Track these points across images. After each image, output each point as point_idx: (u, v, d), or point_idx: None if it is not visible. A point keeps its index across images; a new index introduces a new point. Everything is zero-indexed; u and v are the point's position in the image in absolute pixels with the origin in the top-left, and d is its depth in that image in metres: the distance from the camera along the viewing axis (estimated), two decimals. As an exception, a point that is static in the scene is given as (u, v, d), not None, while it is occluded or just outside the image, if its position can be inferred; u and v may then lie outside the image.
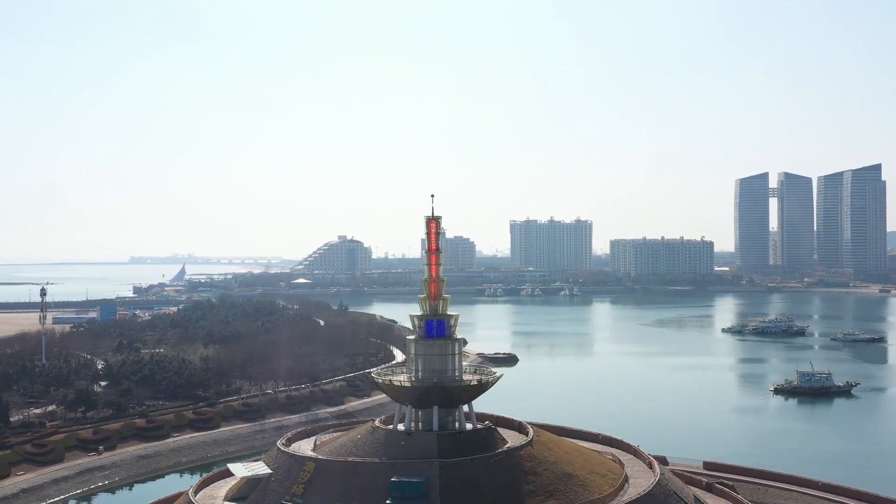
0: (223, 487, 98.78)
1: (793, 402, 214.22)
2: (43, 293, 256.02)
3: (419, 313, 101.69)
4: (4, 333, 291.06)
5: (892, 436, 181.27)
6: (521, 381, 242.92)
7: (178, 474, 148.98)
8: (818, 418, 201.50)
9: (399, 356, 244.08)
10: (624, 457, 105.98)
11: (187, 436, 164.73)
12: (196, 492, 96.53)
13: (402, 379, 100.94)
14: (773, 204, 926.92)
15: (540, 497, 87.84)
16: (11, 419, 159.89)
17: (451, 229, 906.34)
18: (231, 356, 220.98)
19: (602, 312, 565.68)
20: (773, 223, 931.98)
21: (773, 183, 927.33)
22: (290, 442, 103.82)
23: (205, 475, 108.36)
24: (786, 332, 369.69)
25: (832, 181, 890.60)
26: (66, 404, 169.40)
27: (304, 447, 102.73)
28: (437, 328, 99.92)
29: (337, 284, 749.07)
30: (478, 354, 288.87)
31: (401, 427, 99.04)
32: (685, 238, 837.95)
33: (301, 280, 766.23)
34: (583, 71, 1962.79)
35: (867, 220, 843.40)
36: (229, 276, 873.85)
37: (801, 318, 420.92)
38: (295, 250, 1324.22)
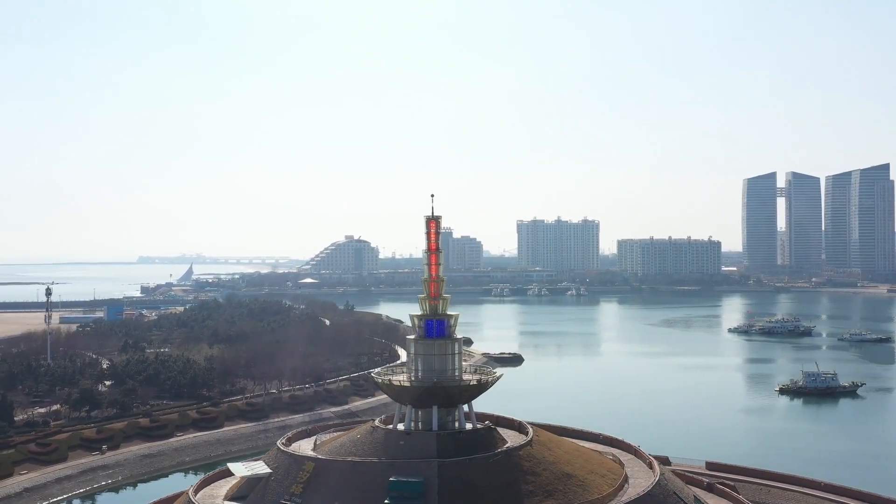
0: (223, 487, 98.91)
1: (798, 402, 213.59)
2: (48, 293, 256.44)
3: (419, 313, 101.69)
4: (10, 333, 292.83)
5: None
6: (526, 381, 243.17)
7: (182, 474, 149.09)
8: (823, 418, 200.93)
9: (404, 356, 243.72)
10: (624, 457, 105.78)
11: (191, 435, 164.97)
12: (196, 491, 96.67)
13: (401, 379, 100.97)
14: (781, 204, 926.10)
15: (538, 497, 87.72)
16: (16, 418, 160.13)
17: (458, 229, 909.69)
18: (236, 356, 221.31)
19: (609, 312, 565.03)
20: (781, 223, 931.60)
21: (780, 183, 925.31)
22: (290, 441, 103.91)
23: (205, 475, 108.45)
24: (792, 333, 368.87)
25: (840, 181, 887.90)
26: (71, 404, 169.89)
27: (305, 447, 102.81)
28: (436, 328, 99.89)
29: (344, 284, 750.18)
30: (483, 354, 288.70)
31: (400, 427, 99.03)
32: (692, 238, 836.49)
33: (308, 280, 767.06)
34: (590, 70, 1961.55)
35: (875, 220, 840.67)
36: (236, 276, 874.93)
37: (808, 319, 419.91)
38: (302, 250, 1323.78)
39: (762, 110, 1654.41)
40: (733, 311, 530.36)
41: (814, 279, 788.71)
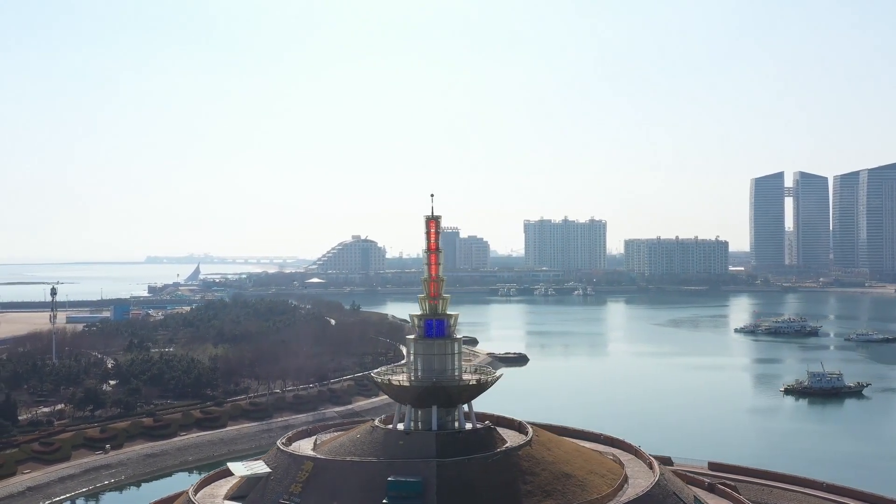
0: (223, 486, 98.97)
1: (803, 402, 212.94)
2: (53, 292, 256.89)
3: (419, 313, 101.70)
4: (17, 332, 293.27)
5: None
6: (531, 381, 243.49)
7: (185, 473, 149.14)
8: (828, 419, 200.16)
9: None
10: (625, 457, 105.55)
11: (194, 435, 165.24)
12: (196, 491, 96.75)
13: (400, 378, 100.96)
14: (789, 203, 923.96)
15: (537, 497, 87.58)
16: (20, 418, 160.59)
17: (465, 229, 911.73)
18: (240, 355, 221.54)
19: (615, 312, 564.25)
20: (789, 223, 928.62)
21: (788, 182, 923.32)
22: (290, 441, 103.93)
23: (205, 474, 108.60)
24: (799, 333, 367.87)
25: (848, 180, 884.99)
26: (75, 403, 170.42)
27: (305, 446, 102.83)
28: (436, 328, 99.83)
29: (351, 284, 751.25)
30: (488, 354, 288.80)
31: (400, 427, 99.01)
32: (700, 238, 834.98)
33: (315, 280, 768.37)
34: (596, 70, 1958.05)
35: (884, 220, 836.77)
36: (243, 276, 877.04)
37: (815, 319, 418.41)
38: (309, 250, 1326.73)
39: (770, 110, 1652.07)
40: (740, 311, 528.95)
41: (821, 279, 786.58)
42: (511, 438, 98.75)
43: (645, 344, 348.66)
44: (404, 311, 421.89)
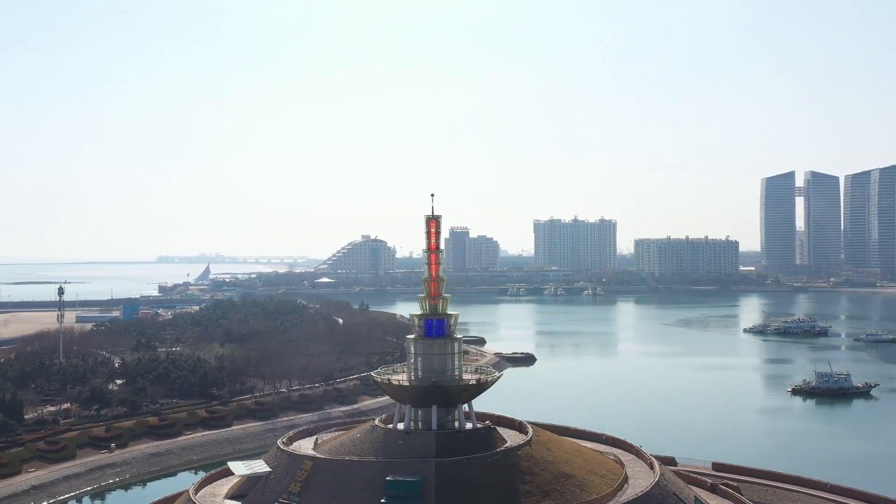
0: (224, 486, 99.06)
1: (810, 402, 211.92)
2: (61, 292, 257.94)
3: (419, 312, 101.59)
4: (26, 332, 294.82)
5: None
6: (537, 381, 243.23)
7: (190, 472, 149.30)
8: (835, 419, 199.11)
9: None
10: (626, 457, 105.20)
11: (199, 434, 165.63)
12: (197, 490, 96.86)
13: (400, 378, 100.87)
14: (800, 203, 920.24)
15: (536, 497, 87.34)
16: (26, 416, 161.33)
17: (475, 229, 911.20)
18: (246, 355, 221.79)
19: (625, 312, 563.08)
20: (800, 222, 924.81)
21: (799, 182, 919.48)
22: (291, 440, 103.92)
23: (206, 474, 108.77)
24: (808, 333, 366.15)
25: (859, 180, 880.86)
26: (81, 402, 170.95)
27: (305, 446, 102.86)
28: (436, 327, 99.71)
29: (360, 284, 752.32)
30: (495, 354, 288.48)
31: (400, 426, 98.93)
32: (710, 237, 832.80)
33: (324, 279, 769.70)
34: (607, 70, 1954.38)
35: (895, 220, 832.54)
36: (253, 276, 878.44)
37: (825, 319, 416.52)
38: (320, 250, 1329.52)
39: (781, 109, 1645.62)
40: (750, 311, 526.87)
41: (832, 279, 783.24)
42: (511, 438, 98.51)
43: (654, 344, 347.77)
44: (413, 310, 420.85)
